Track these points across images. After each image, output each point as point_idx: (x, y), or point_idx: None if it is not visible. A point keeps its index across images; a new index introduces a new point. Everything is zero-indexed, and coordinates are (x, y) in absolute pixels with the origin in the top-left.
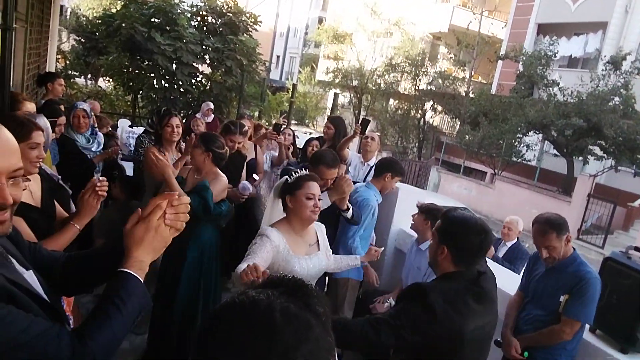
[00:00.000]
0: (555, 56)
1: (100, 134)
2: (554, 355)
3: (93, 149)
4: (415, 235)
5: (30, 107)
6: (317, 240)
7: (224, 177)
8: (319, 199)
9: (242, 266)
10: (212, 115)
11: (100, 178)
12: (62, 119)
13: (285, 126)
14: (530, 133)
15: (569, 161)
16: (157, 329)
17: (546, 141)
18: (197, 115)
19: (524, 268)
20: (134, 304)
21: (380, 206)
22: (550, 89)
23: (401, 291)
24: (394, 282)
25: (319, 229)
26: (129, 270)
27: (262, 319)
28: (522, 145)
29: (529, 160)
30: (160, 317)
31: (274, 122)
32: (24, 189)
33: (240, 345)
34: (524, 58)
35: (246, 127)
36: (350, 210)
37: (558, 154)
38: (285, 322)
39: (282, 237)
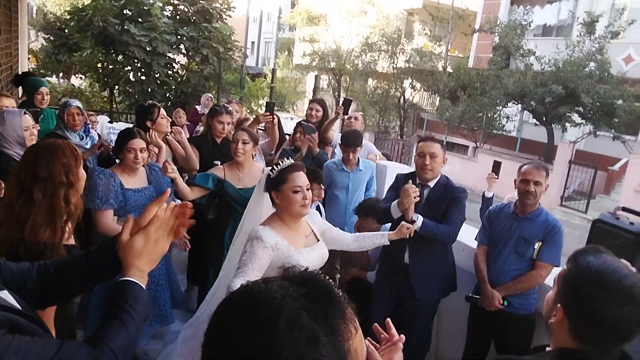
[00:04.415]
0: (530, 25)
1: (93, 132)
2: (529, 299)
3: (87, 147)
4: None
5: (8, 102)
6: (312, 230)
7: None
8: (308, 189)
9: (237, 283)
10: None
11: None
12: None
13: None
14: (510, 104)
15: (548, 129)
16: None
17: (525, 111)
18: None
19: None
20: (141, 310)
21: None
22: (527, 58)
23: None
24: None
25: (309, 218)
26: (133, 279)
27: (266, 321)
28: (502, 117)
29: (510, 132)
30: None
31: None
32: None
33: (239, 340)
34: (499, 29)
35: (232, 109)
36: (419, 220)
37: (538, 123)
38: (288, 331)
39: (277, 235)
